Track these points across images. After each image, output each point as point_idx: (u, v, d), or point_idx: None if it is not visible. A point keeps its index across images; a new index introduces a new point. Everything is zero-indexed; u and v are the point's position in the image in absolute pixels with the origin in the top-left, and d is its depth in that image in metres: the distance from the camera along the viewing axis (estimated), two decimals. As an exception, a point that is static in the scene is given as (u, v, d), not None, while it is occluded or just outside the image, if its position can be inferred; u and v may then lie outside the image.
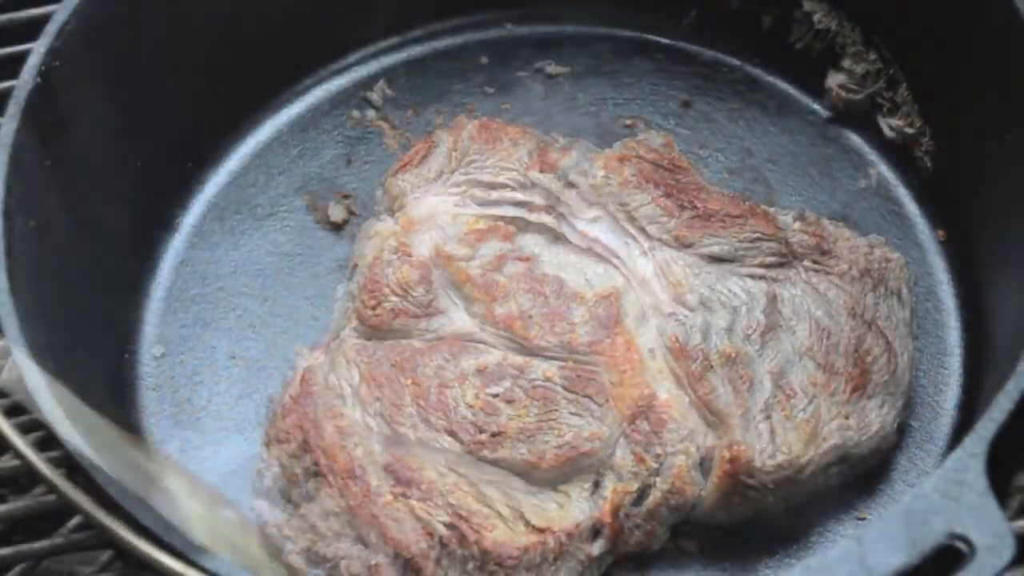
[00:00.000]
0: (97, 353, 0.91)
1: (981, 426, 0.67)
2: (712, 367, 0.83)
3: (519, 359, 0.84)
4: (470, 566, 0.78)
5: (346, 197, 1.01)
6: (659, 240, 0.88)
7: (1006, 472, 0.75)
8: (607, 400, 0.82)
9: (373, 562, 0.77)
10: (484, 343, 0.85)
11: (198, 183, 1.01)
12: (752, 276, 0.87)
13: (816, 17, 1.02)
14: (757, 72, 1.06)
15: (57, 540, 0.82)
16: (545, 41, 1.08)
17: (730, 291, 0.86)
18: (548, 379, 0.83)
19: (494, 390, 0.83)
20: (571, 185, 0.90)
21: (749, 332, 0.85)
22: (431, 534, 0.77)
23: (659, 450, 0.82)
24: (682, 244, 0.88)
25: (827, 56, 1.02)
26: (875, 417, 0.84)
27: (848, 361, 0.85)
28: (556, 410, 0.82)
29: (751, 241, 0.88)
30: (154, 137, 0.96)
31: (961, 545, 0.63)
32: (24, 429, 0.75)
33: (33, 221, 0.83)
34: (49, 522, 0.86)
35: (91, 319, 0.90)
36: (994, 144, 0.89)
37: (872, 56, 1.00)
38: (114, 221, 0.93)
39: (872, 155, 1.01)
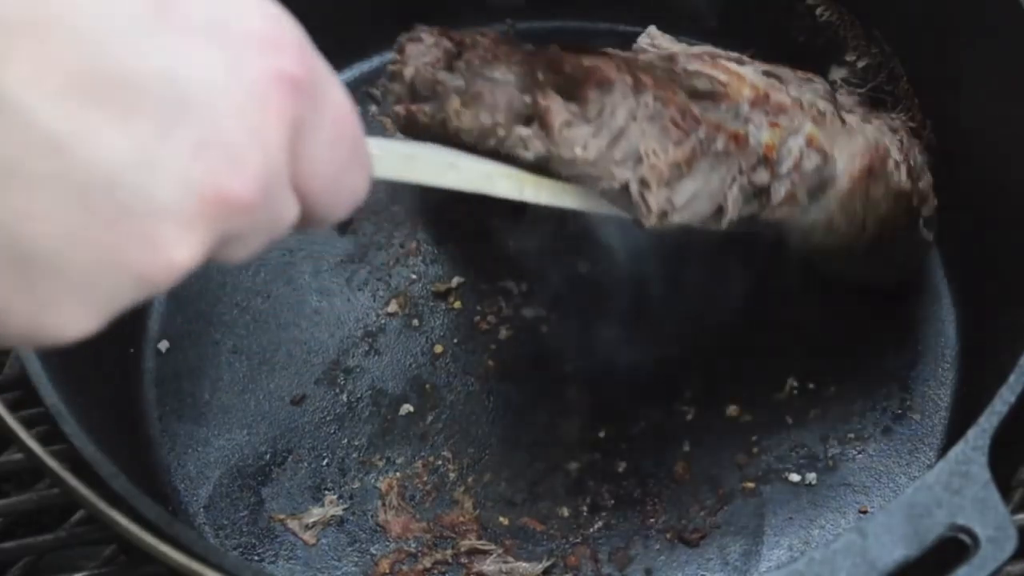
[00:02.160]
0: (102, 349, 0.91)
1: (984, 419, 0.67)
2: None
3: None
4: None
5: (348, 192, 1.01)
6: None
7: (1009, 465, 0.76)
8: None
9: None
10: None
11: (201, 178, 1.01)
12: None
13: (819, 11, 1.02)
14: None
15: (61, 534, 0.82)
16: (545, 36, 1.08)
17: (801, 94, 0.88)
18: None
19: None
20: None
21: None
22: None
23: (786, 121, 0.82)
24: None
25: (829, 50, 1.02)
26: None
27: None
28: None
29: None
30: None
31: (964, 537, 0.63)
32: (28, 424, 0.75)
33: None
34: (52, 517, 0.87)
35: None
36: (995, 137, 0.90)
37: (874, 50, 1.00)
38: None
39: (873, 150, 1.02)
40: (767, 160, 0.80)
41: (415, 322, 0.95)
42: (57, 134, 0.45)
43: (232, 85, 0.48)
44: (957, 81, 0.94)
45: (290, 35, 0.51)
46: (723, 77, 0.82)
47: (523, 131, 0.78)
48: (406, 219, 1.01)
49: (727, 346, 0.92)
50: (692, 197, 0.78)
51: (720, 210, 0.79)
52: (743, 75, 0.83)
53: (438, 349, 0.94)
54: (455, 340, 0.94)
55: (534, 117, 0.77)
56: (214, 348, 0.94)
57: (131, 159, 0.46)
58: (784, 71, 0.90)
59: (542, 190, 0.77)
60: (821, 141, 0.83)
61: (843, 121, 0.87)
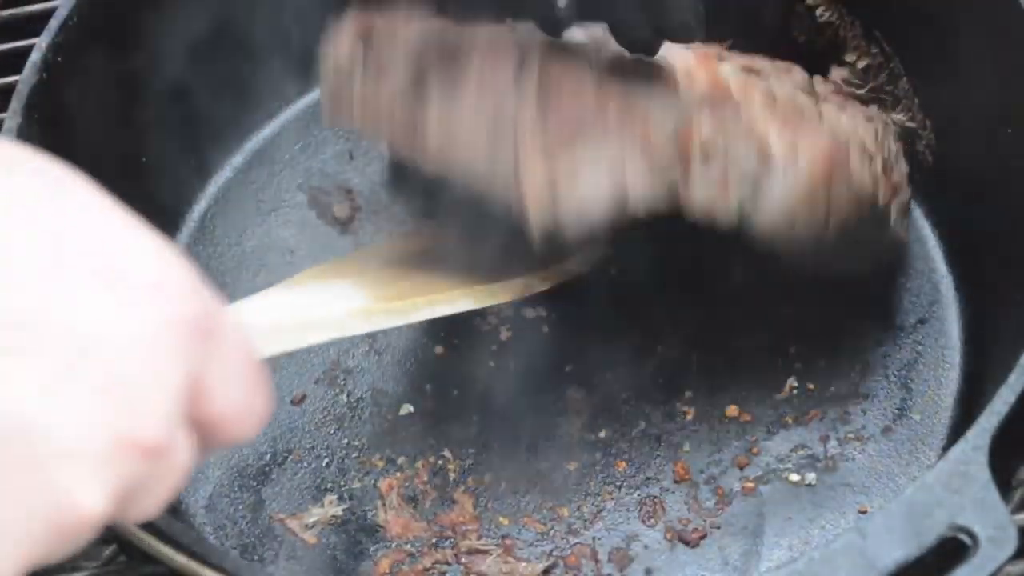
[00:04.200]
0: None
1: (984, 419, 0.67)
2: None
3: None
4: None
5: (349, 192, 1.01)
6: None
7: (1009, 465, 0.75)
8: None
9: None
10: None
11: (201, 178, 1.02)
12: None
13: (819, 11, 1.02)
14: (758, 66, 1.06)
15: (61, 534, 0.82)
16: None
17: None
18: None
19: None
20: None
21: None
22: None
23: (731, 117, 0.82)
24: None
25: (829, 50, 1.02)
26: None
27: None
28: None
29: None
30: (158, 133, 0.96)
31: (964, 537, 0.63)
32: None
33: (36, 216, 0.83)
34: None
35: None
36: (995, 138, 0.89)
37: (874, 50, 1.00)
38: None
39: (874, 150, 1.02)
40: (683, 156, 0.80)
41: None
42: None
43: (128, 330, 0.50)
44: (958, 81, 0.94)
45: (182, 280, 0.52)
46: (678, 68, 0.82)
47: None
48: (406, 219, 1.01)
49: (727, 346, 0.92)
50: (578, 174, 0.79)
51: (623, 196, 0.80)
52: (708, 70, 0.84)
53: (439, 350, 0.94)
54: (455, 340, 0.94)
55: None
56: (214, 348, 0.94)
57: (35, 402, 0.47)
58: (763, 63, 0.90)
59: (457, 303, 0.80)
60: (766, 139, 0.82)
61: (820, 114, 0.87)
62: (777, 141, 0.82)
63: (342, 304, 0.78)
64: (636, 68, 0.82)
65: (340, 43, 0.84)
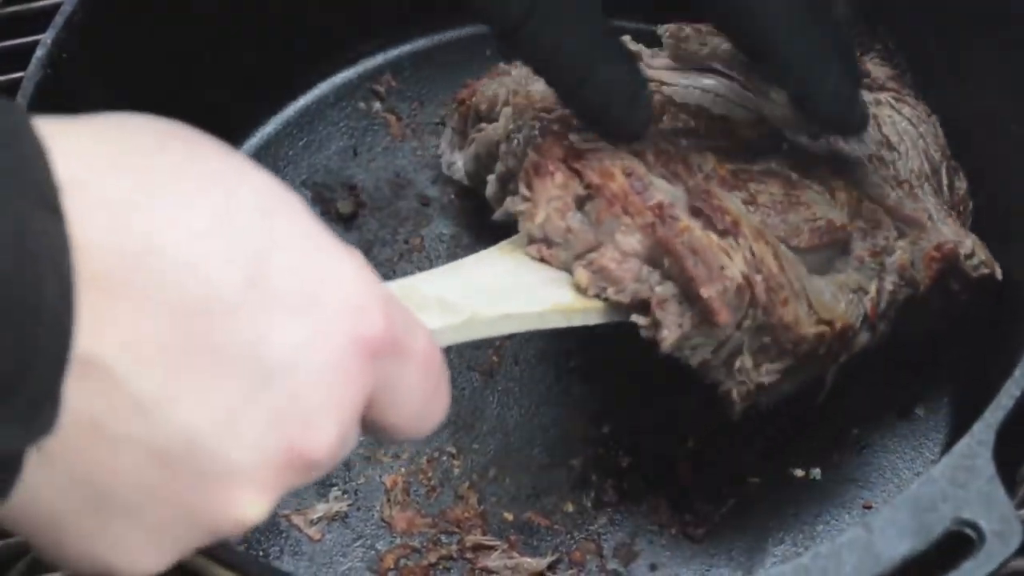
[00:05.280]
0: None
1: (989, 413, 0.67)
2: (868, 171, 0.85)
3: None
4: (763, 334, 0.76)
5: (352, 188, 1.01)
6: None
7: (1014, 460, 0.75)
8: (828, 189, 0.81)
9: (660, 298, 0.74)
10: None
11: (205, 174, 1.02)
12: None
13: (822, 7, 1.02)
14: (763, 63, 1.06)
15: (67, 529, 0.82)
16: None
17: None
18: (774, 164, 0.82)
19: (733, 166, 0.81)
20: None
21: (877, 140, 0.87)
22: (729, 277, 0.74)
23: (882, 243, 0.81)
24: None
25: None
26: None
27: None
28: (797, 189, 0.80)
29: None
30: (162, 128, 0.96)
31: (969, 532, 0.63)
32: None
33: (42, 211, 0.83)
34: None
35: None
36: (1001, 135, 0.90)
37: (878, 46, 1.00)
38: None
39: (878, 146, 1.02)
40: (869, 321, 0.80)
41: (420, 318, 0.95)
42: (143, 400, 0.47)
43: (315, 356, 0.51)
44: (964, 76, 0.94)
45: (374, 298, 0.53)
46: (825, 206, 0.80)
47: (640, 319, 0.76)
48: (411, 215, 1.01)
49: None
50: (782, 391, 0.81)
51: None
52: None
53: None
54: (459, 336, 0.94)
55: (647, 301, 0.75)
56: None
57: (210, 427, 0.49)
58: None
59: (591, 316, 0.76)
60: (909, 264, 0.82)
61: (888, 144, 0.86)
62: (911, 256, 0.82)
63: (549, 294, 0.76)
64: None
65: (549, 201, 0.77)
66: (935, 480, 0.65)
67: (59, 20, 0.88)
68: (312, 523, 0.87)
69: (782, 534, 0.85)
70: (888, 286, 0.81)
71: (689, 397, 0.90)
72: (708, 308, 0.74)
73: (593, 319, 0.76)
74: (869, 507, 0.86)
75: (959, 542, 0.63)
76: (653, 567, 0.84)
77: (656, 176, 0.78)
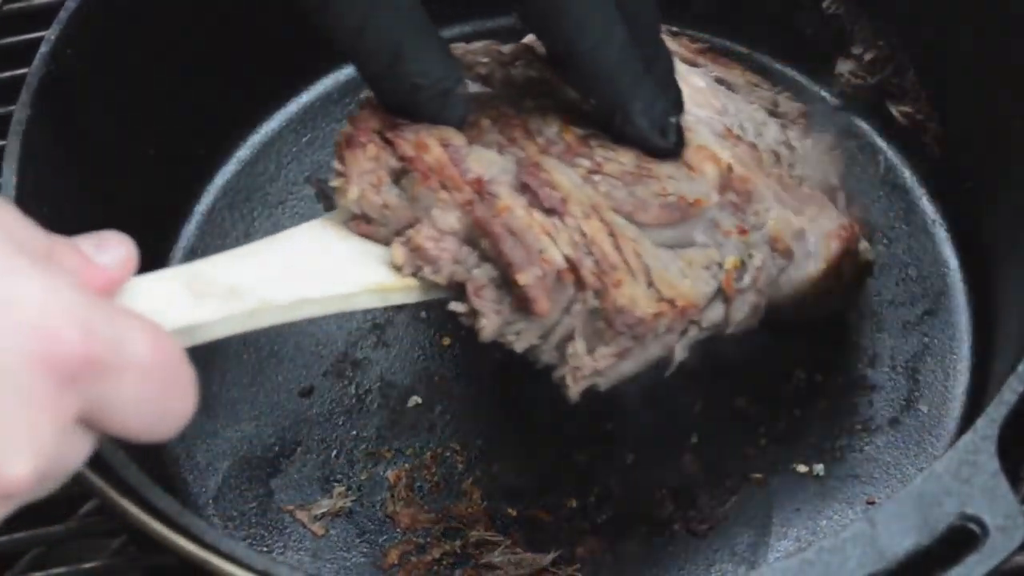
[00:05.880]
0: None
1: (992, 408, 0.67)
2: (764, 159, 0.82)
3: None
4: (596, 318, 0.71)
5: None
6: None
7: (1018, 454, 0.75)
8: (693, 166, 0.77)
9: (477, 283, 0.70)
10: None
11: (209, 171, 1.02)
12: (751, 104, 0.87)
13: (825, 4, 1.02)
14: (766, 59, 1.06)
15: (71, 525, 0.82)
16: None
17: (746, 110, 0.85)
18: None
19: (582, 131, 0.75)
20: None
21: (780, 140, 0.84)
22: (549, 262, 0.69)
23: (753, 219, 0.77)
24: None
25: (836, 43, 1.02)
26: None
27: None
28: (651, 161, 0.76)
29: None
30: (166, 125, 0.96)
31: (973, 527, 0.63)
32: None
33: (46, 207, 0.83)
34: (61, 508, 0.87)
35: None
36: (1003, 131, 0.89)
37: (880, 42, 1.00)
38: (126, 208, 0.93)
39: (881, 142, 1.02)
40: (724, 295, 0.76)
41: (423, 314, 0.95)
42: None
43: (5, 378, 0.49)
44: (964, 74, 0.94)
45: (68, 319, 0.51)
46: (683, 182, 0.75)
47: (458, 306, 0.72)
48: (414, 211, 1.01)
49: (734, 337, 0.92)
50: (623, 372, 0.76)
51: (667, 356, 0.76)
52: (707, 149, 0.77)
53: (446, 341, 0.94)
54: (463, 332, 0.93)
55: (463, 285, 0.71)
56: (222, 340, 0.94)
57: None
58: (734, 74, 0.88)
59: (409, 295, 0.73)
60: (786, 237, 0.78)
61: (791, 148, 0.84)
62: (793, 237, 0.79)
63: (362, 273, 0.72)
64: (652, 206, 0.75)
65: (362, 175, 0.73)
66: (939, 475, 0.64)
67: (62, 17, 0.88)
68: (316, 519, 0.87)
69: (785, 529, 0.85)
70: (756, 261, 0.77)
71: (692, 393, 0.90)
72: (524, 296, 0.69)
73: (411, 298, 0.72)
74: (872, 503, 0.86)
75: (963, 537, 0.63)
76: (656, 563, 0.84)
77: (485, 146, 0.73)
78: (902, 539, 0.63)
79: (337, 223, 0.73)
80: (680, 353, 0.77)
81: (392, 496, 0.88)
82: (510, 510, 0.87)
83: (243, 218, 1.00)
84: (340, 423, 0.91)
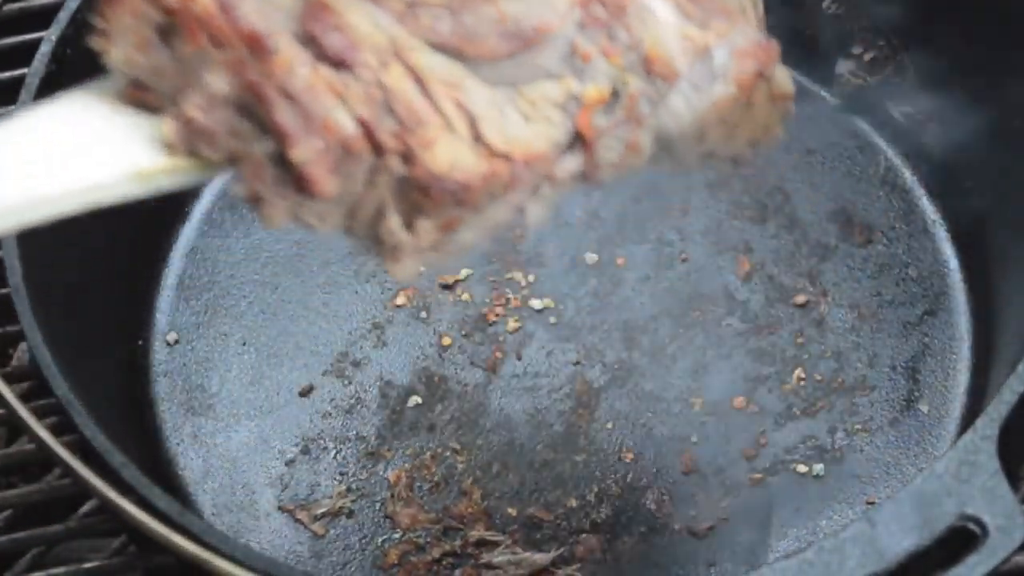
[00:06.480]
0: (110, 340, 0.91)
1: (992, 408, 0.67)
2: None
3: None
4: (409, 189, 0.58)
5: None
6: None
7: (1017, 455, 0.75)
8: None
9: (254, 161, 0.57)
10: None
11: (209, 171, 1.02)
12: None
13: (825, 4, 1.02)
14: (766, 59, 1.06)
15: (70, 524, 0.83)
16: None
17: None
18: None
19: None
20: None
21: None
22: (334, 129, 0.57)
23: (624, 36, 0.62)
24: None
25: (836, 43, 1.02)
26: None
27: None
28: None
29: None
30: (166, 124, 0.96)
31: (973, 527, 0.63)
32: (39, 414, 0.76)
33: (46, 207, 0.83)
34: (60, 509, 0.87)
35: (104, 307, 0.90)
36: (1003, 131, 0.89)
37: (880, 42, 1.00)
38: (126, 209, 0.94)
39: (880, 142, 1.02)
40: (582, 137, 0.62)
41: (423, 314, 0.95)
42: None
43: None
44: (964, 74, 0.94)
45: None
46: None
47: (239, 190, 0.59)
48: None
49: (734, 337, 0.92)
50: (464, 243, 0.62)
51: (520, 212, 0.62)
52: None
53: (446, 341, 0.94)
54: (463, 332, 0.94)
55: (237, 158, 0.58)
56: (222, 340, 0.95)
57: None
58: None
59: (183, 178, 0.59)
60: (667, 55, 0.62)
61: None
62: (694, 54, 0.63)
63: (129, 156, 0.59)
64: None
65: (124, 34, 0.61)
66: (939, 475, 0.64)
67: (63, 17, 0.88)
68: (316, 519, 0.87)
69: (785, 529, 0.85)
70: (631, 89, 0.62)
71: (692, 394, 0.90)
72: (301, 175, 0.57)
73: (186, 181, 0.59)
74: (872, 503, 0.86)
75: (963, 537, 0.63)
76: (657, 562, 0.84)
77: None
78: (902, 539, 0.63)
79: (110, 92, 0.61)
80: (536, 213, 0.63)
81: (392, 496, 0.88)
82: (510, 510, 0.87)
83: (243, 218, 1.00)
84: (340, 423, 0.91)
